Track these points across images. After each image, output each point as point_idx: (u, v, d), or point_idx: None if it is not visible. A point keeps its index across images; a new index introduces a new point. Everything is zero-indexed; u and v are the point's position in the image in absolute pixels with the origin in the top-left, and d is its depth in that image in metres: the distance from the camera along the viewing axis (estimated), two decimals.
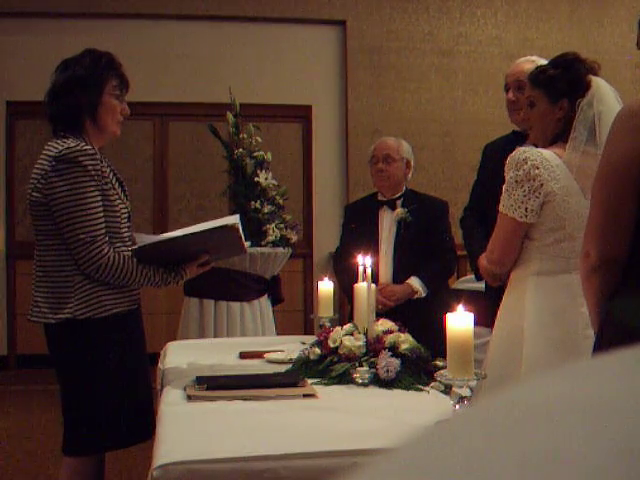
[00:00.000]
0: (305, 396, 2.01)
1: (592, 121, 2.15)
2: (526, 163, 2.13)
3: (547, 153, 2.17)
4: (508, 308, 2.25)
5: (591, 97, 2.17)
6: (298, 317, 6.43)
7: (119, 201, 2.28)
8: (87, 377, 2.23)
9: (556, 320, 2.14)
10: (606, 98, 2.16)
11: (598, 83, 2.20)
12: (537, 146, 2.30)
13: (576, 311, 2.08)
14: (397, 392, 2.09)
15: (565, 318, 2.13)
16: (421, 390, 2.10)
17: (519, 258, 2.23)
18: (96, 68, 2.27)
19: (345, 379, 2.18)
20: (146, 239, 2.35)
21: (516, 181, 2.14)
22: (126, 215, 2.33)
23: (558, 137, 2.23)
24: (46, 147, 2.25)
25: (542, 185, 2.13)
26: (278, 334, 4.26)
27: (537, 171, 2.12)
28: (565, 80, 2.21)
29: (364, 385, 2.14)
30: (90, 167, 2.17)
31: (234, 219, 2.32)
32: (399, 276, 3.38)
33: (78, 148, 2.17)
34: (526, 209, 2.14)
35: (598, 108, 2.14)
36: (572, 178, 2.15)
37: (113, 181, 2.28)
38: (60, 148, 2.18)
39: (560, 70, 2.23)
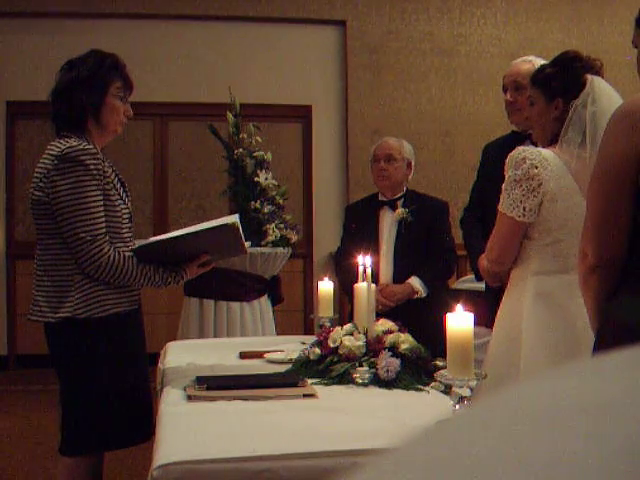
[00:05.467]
0: (305, 396, 2.01)
1: (585, 123, 2.14)
2: (525, 162, 2.12)
3: (546, 152, 2.16)
4: (507, 308, 2.25)
5: (585, 97, 2.16)
6: (298, 317, 6.43)
7: (120, 201, 2.29)
8: (86, 377, 2.23)
9: (555, 320, 2.13)
10: (602, 98, 2.14)
11: (594, 83, 2.17)
12: (537, 145, 2.29)
13: (575, 311, 2.08)
14: (397, 392, 2.09)
15: (564, 318, 2.12)
16: (421, 390, 2.10)
17: (518, 257, 2.23)
18: (100, 69, 2.28)
19: (345, 379, 2.18)
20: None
21: (515, 180, 2.14)
22: (127, 216, 2.33)
23: (557, 137, 2.22)
24: (49, 146, 2.25)
25: (541, 184, 2.12)
26: (278, 334, 4.26)
27: (536, 170, 2.12)
28: (559, 79, 2.20)
29: (364, 385, 2.14)
30: (92, 166, 2.18)
31: (234, 218, 2.32)
32: (399, 276, 3.38)
33: (80, 147, 2.18)
34: (524, 208, 2.13)
35: (591, 109, 2.13)
36: (571, 178, 2.15)
37: (115, 181, 2.29)
38: (62, 147, 2.19)
39: (556, 69, 2.22)
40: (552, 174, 2.13)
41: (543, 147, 2.23)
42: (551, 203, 2.14)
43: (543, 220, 2.16)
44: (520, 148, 2.20)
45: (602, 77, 2.23)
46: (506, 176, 2.17)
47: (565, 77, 2.19)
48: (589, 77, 2.18)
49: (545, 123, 2.24)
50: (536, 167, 2.12)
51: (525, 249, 2.21)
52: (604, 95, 2.15)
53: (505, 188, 2.17)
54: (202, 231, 2.30)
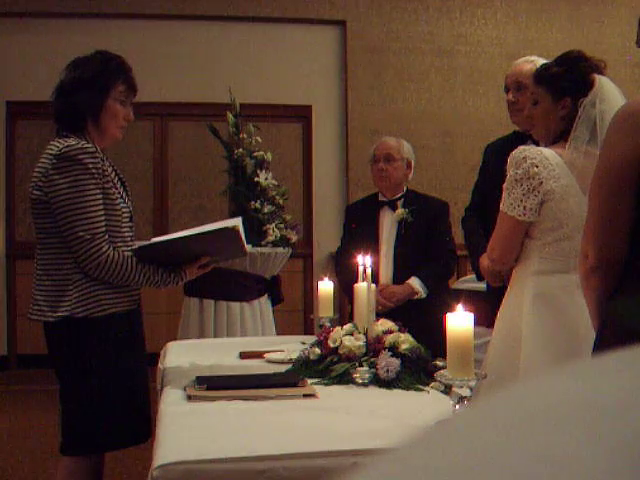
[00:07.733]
0: (305, 396, 2.01)
1: (594, 121, 2.14)
2: (525, 161, 2.13)
3: (547, 152, 2.17)
4: (507, 307, 2.25)
5: (594, 96, 2.16)
6: (298, 317, 6.43)
7: (120, 200, 2.28)
8: (84, 376, 2.23)
9: (555, 320, 2.13)
10: (610, 98, 2.15)
11: (602, 82, 2.18)
12: (539, 144, 2.29)
13: (575, 311, 2.07)
14: (397, 392, 2.09)
15: (564, 318, 2.12)
16: (421, 390, 2.10)
17: (520, 257, 2.23)
18: (104, 71, 2.27)
19: (345, 379, 2.18)
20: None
21: (515, 179, 2.14)
22: (128, 215, 2.33)
23: (561, 136, 2.22)
24: (48, 146, 2.25)
25: (541, 184, 2.12)
26: (278, 334, 4.26)
27: (536, 169, 2.12)
28: (568, 78, 2.20)
29: (364, 385, 2.14)
30: (90, 165, 2.18)
31: (236, 222, 2.32)
32: (399, 276, 3.38)
33: (79, 146, 2.18)
34: (524, 207, 2.14)
35: (600, 107, 2.13)
36: (572, 177, 2.15)
37: (115, 180, 2.28)
38: (61, 146, 2.19)
39: (564, 68, 2.22)
40: (553, 173, 2.13)
41: (545, 146, 2.23)
42: (552, 202, 2.14)
43: (544, 219, 2.16)
44: (521, 147, 2.20)
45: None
46: (507, 175, 2.17)
47: (574, 76, 2.19)
48: (597, 76, 2.19)
49: (550, 122, 2.24)
50: (537, 166, 2.12)
51: (526, 248, 2.21)
52: (611, 94, 2.16)
53: (506, 187, 2.17)
54: (203, 234, 2.29)
